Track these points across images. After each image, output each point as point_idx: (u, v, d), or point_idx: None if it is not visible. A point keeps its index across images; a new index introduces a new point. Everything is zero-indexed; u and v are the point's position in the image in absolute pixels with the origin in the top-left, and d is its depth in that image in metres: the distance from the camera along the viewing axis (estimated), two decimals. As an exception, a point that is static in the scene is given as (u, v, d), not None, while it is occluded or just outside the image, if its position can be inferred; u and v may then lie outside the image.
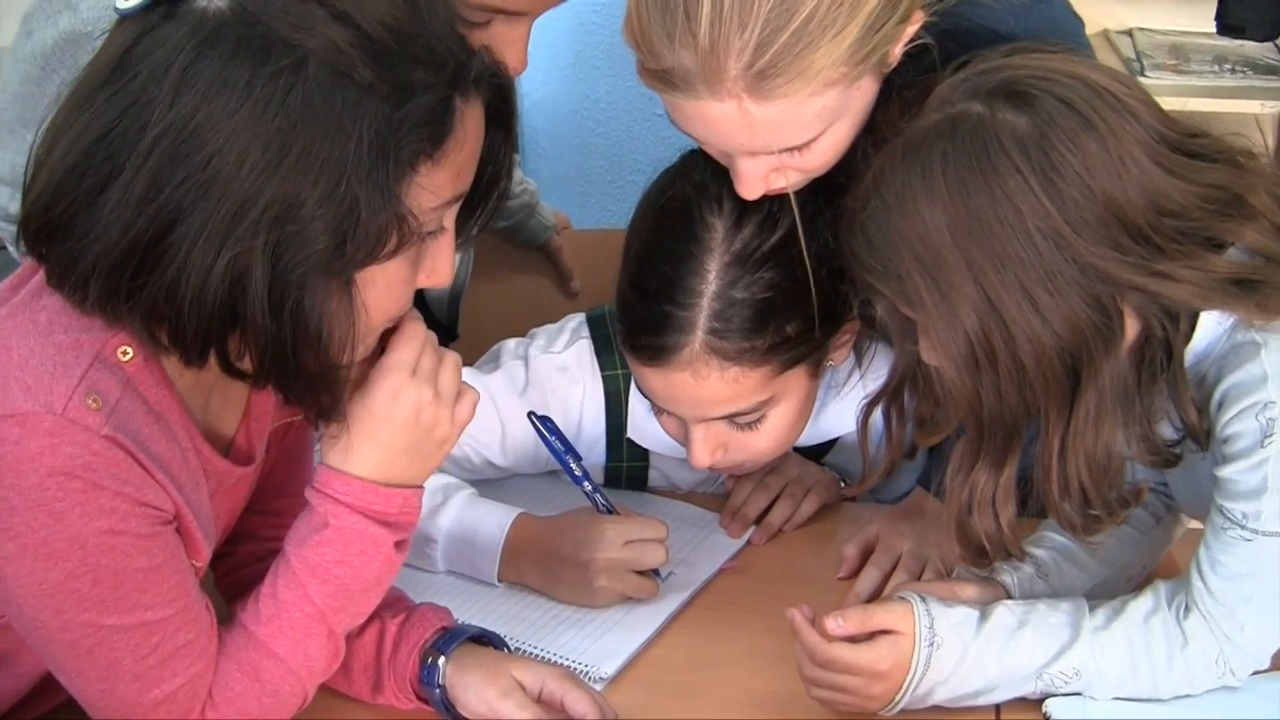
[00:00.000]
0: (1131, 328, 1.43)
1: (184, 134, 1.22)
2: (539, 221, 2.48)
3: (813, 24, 1.39)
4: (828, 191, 1.57)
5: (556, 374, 1.87)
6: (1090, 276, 1.38)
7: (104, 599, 1.31)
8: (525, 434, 1.84)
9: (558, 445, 1.78)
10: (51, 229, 1.26)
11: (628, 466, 1.92)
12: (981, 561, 1.52)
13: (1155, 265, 1.38)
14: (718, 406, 1.69)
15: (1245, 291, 1.40)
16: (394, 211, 1.26)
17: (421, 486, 1.44)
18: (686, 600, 1.74)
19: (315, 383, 1.31)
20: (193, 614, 1.37)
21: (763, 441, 1.75)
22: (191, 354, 1.29)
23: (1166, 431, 1.48)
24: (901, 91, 1.49)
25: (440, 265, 1.37)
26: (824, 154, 1.53)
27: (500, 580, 1.75)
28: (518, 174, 2.45)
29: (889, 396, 1.60)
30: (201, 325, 1.25)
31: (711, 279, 1.64)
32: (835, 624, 1.50)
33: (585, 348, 1.88)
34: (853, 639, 1.51)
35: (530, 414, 1.80)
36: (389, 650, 1.54)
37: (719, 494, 1.94)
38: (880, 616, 1.52)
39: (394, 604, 1.58)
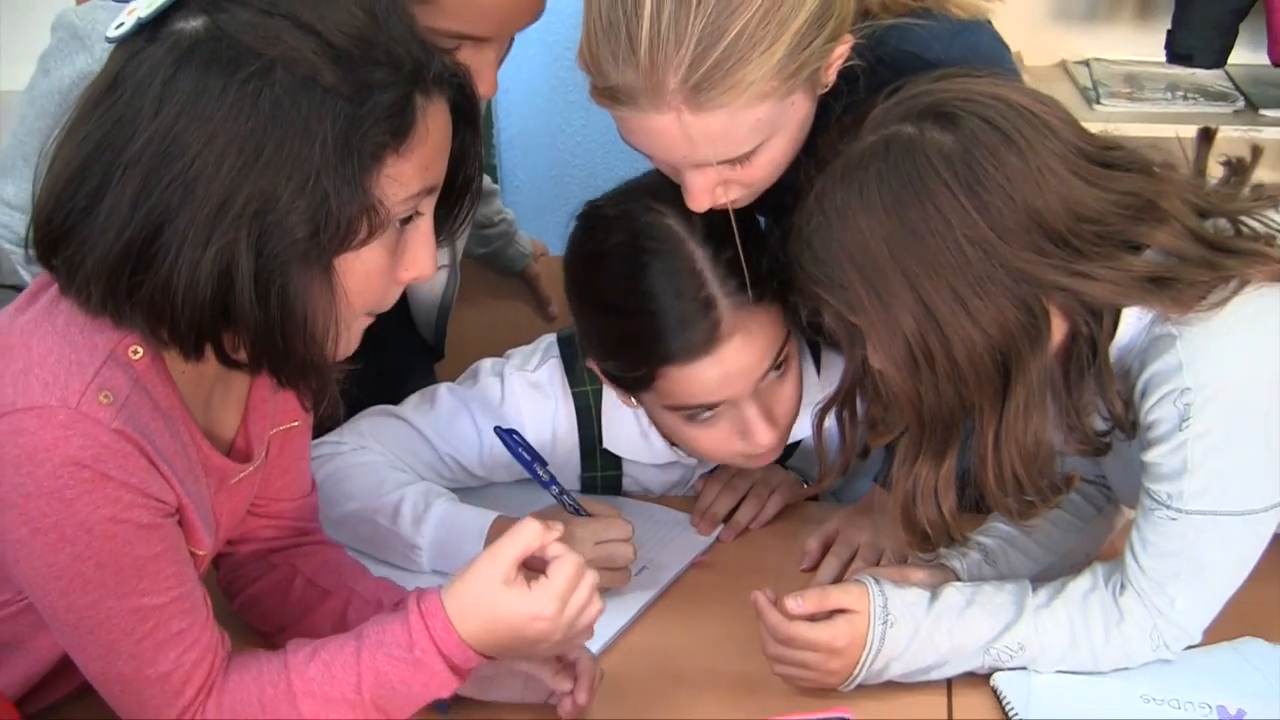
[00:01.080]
0: (1059, 327, 1.52)
1: (167, 141, 1.30)
2: (517, 249, 2.59)
3: (742, 41, 1.49)
4: (776, 212, 1.66)
5: (530, 390, 1.96)
6: (1016, 279, 1.47)
7: (106, 583, 1.37)
8: (501, 446, 1.92)
9: (525, 455, 1.85)
10: (54, 238, 1.35)
11: (602, 475, 2.01)
12: (926, 547, 1.61)
13: (1076, 266, 1.47)
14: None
15: (1160, 288, 1.49)
16: (362, 202, 1.33)
17: None
18: (660, 591, 1.83)
19: (304, 368, 1.38)
20: (188, 604, 1.44)
21: (788, 396, 1.82)
22: (189, 348, 1.36)
23: (1097, 423, 1.57)
24: (840, 117, 1.58)
25: (421, 257, 1.43)
26: (763, 168, 1.62)
27: None
28: (496, 203, 2.56)
29: (841, 400, 1.68)
30: (195, 318, 1.33)
31: None
32: (795, 603, 1.59)
33: (556, 366, 1.97)
34: (812, 618, 1.60)
35: (496, 429, 1.88)
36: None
37: (689, 496, 2.03)
38: (837, 596, 1.61)
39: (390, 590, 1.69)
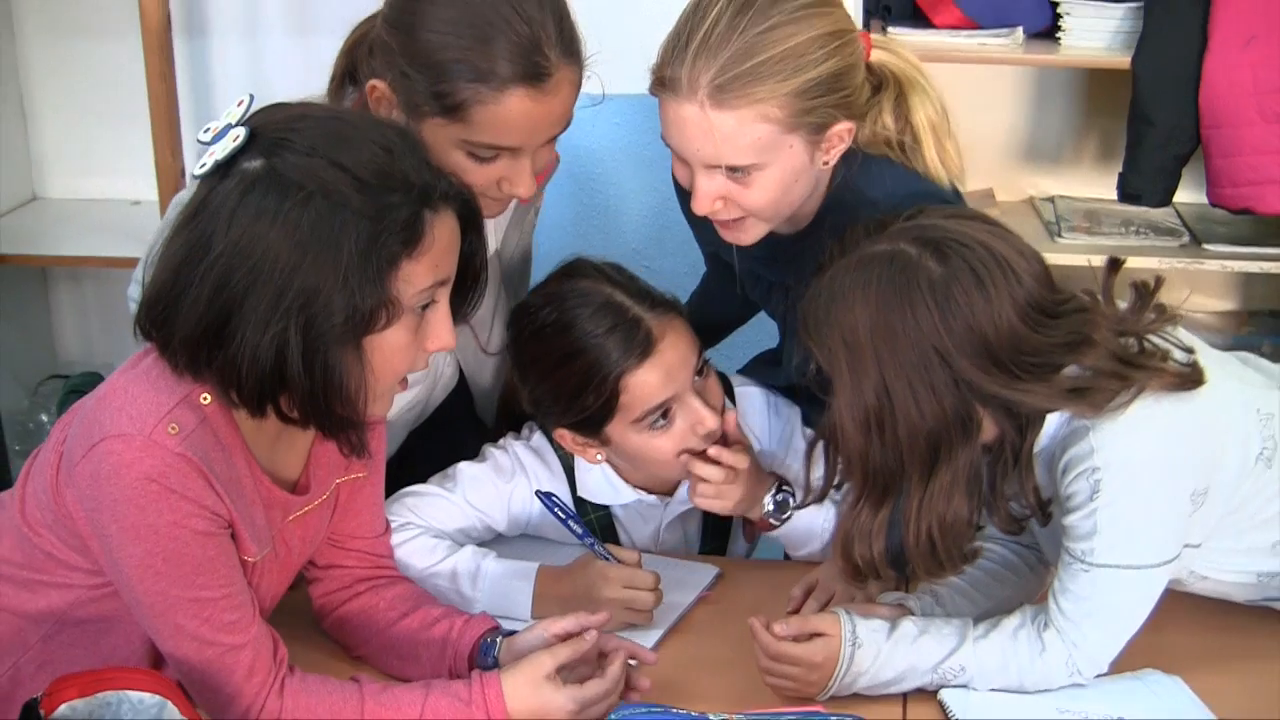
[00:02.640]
0: (989, 431, 1.85)
1: (235, 252, 1.66)
2: None
3: (764, 67, 1.97)
4: (800, 274, 2.02)
5: (531, 453, 2.35)
6: (961, 388, 1.81)
7: (170, 575, 1.73)
8: (520, 505, 2.31)
9: (560, 514, 2.22)
10: (154, 321, 1.73)
11: (595, 518, 2.36)
12: (858, 579, 1.93)
13: (1013, 384, 1.81)
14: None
15: (1080, 396, 1.83)
16: (381, 297, 1.69)
17: None
18: (674, 623, 2.16)
19: (342, 423, 1.75)
20: (238, 600, 1.79)
21: (756, 195, 2.07)
22: (253, 407, 1.73)
23: (1016, 510, 1.91)
24: (867, 222, 1.94)
25: (441, 332, 1.78)
26: (756, 194, 2.02)
27: (532, 617, 2.15)
28: None
29: (828, 435, 1.96)
30: (257, 385, 1.69)
31: None
32: (782, 627, 1.93)
33: (540, 438, 2.36)
34: (796, 639, 1.92)
35: (537, 492, 2.25)
36: (455, 636, 1.98)
37: (676, 549, 2.39)
38: (815, 622, 1.94)
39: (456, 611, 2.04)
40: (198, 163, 1.72)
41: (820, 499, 2.07)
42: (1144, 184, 3.49)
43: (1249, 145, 3.33)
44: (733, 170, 2.03)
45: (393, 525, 2.22)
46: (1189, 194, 3.63)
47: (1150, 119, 3.43)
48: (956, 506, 1.84)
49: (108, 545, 1.74)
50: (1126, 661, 1.96)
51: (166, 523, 1.72)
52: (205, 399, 1.75)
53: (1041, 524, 1.91)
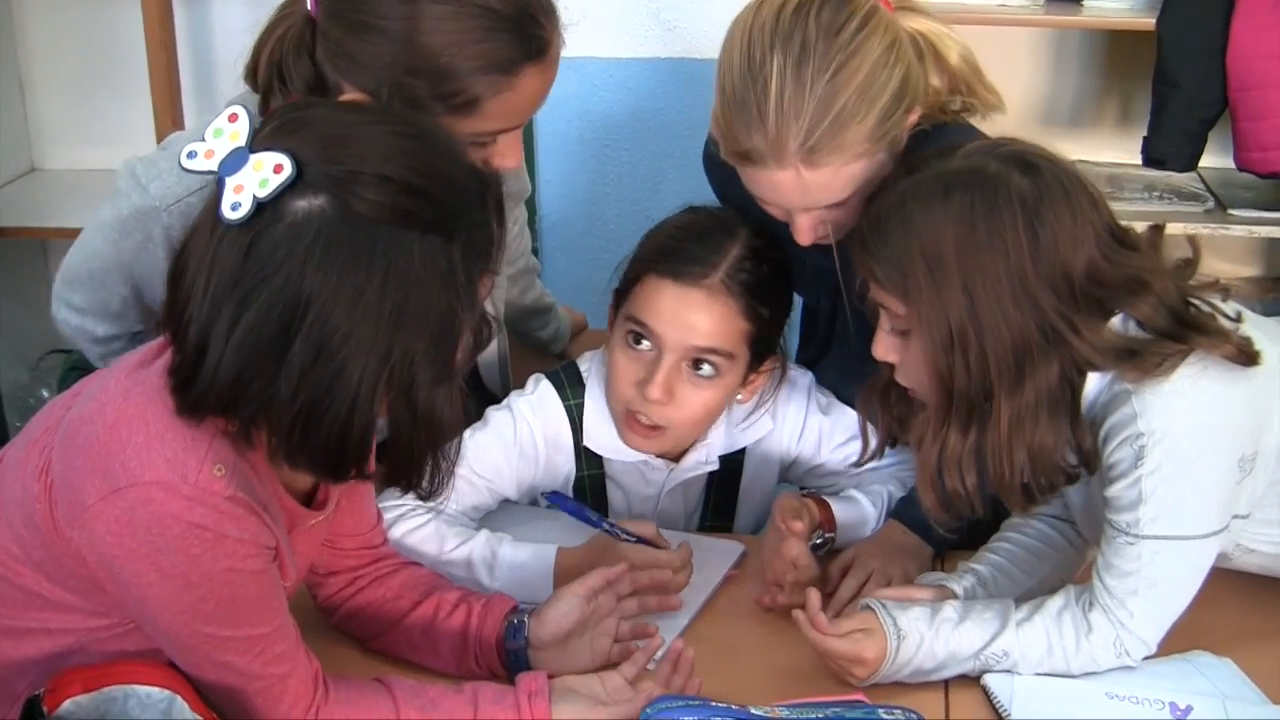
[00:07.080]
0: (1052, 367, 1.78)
1: (325, 333, 1.49)
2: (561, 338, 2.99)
3: (844, 114, 1.88)
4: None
5: (533, 407, 2.30)
6: (1043, 306, 1.76)
7: (223, 617, 1.60)
8: (525, 471, 2.28)
9: (572, 507, 2.19)
10: (233, 399, 1.53)
11: (588, 475, 2.32)
12: (947, 516, 1.86)
13: (1073, 319, 1.76)
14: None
15: (1127, 359, 1.78)
16: (477, 316, 1.60)
17: None
18: (701, 605, 2.10)
19: (435, 469, 1.66)
20: (285, 629, 1.68)
21: (694, 399, 2.19)
22: (333, 477, 1.62)
23: (1069, 456, 1.83)
24: (934, 151, 1.90)
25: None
26: (854, 210, 1.97)
27: None
28: (553, 312, 2.94)
29: (882, 389, 1.96)
30: (354, 455, 1.57)
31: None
32: (822, 620, 1.88)
33: (548, 387, 2.31)
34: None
35: (543, 494, 2.24)
36: (475, 624, 1.91)
37: (674, 520, 2.35)
38: (853, 623, 1.89)
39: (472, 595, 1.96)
40: (228, 204, 1.50)
41: (880, 454, 2.08)
42: (1169, 148, 3.46)
43: (1278, 108, 3.28)
44: (832, 205, 1.99)
45: (399, 511, 2.16)
46: (1213, 158, 3.59)
47: (1175, 82, 3.39)
48: (1044, 429, 1.79)
49: (143, 593, 1.58)
50: (1173, 643, 1.92)
51: (221, 569, 1.57)
52: (230, 429, 1.59)
53: (1089, 472, 1.85)
